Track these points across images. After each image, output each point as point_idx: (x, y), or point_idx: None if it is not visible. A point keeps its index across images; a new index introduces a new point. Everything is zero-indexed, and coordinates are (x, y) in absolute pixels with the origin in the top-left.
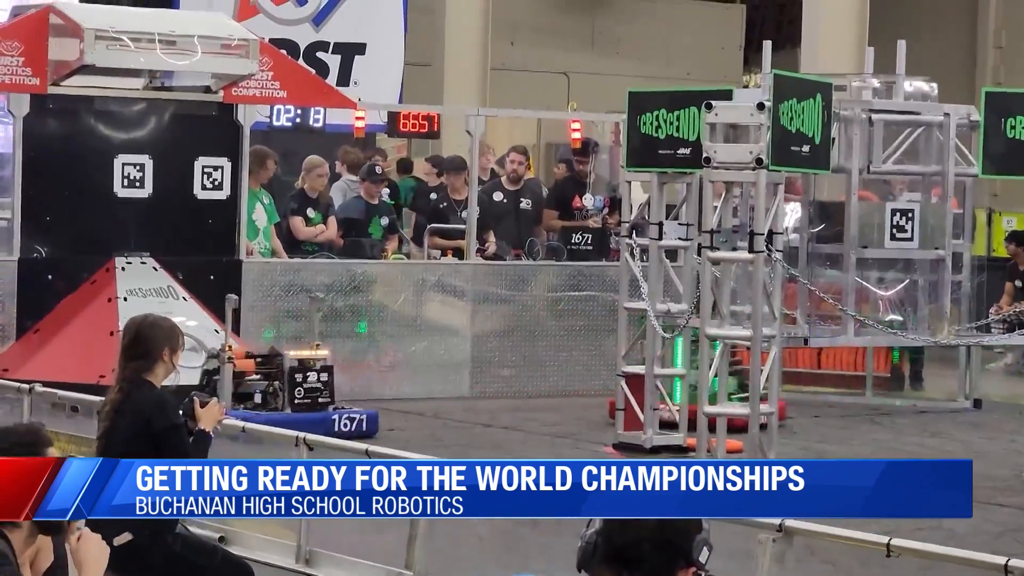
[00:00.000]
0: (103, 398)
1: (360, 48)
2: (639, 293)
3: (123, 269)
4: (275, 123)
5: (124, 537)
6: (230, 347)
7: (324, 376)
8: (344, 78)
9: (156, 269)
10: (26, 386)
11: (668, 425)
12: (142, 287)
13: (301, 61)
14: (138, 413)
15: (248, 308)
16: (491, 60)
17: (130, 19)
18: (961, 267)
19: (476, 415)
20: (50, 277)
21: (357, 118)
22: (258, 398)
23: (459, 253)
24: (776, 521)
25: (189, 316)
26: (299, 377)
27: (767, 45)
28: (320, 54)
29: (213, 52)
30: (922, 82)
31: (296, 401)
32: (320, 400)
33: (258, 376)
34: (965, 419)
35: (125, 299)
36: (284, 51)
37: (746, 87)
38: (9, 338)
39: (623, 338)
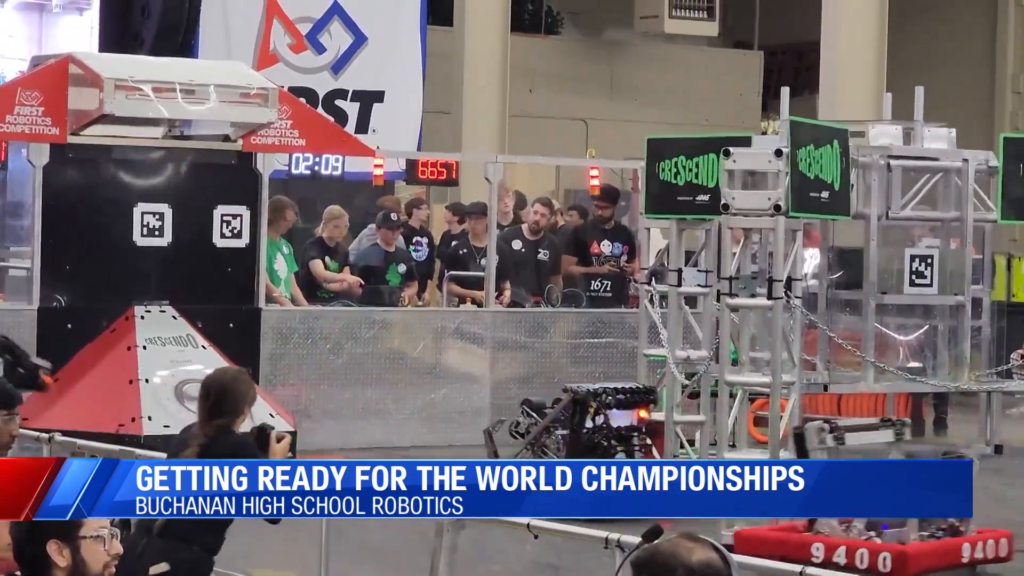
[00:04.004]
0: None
1: (379, 96)
2: (658, 339)
3: (142, 318)
4: (294, 171)
5: (161, 567)
6: None
7: None
8: (363, 126)
9: (175, 318)
10: (46, 435)
11: None
12: (161, 336)
13: (320, 109)
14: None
15: (267, 356)
16: (510, 107)
17: (149, 68)
18: (981, 312)
19: None
20: (69, 326)
21: (376, 166)
22: None
23: (478, 300)
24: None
25: (208, 364)
26: None
27: (785, 92)
28: (339, 102)
29: (232, 101)
30: (940, 128)
31: None
32: None
33: None
34: (986, 465)
35: (144, 347)
36: (303, 99)
37: (764, 134)
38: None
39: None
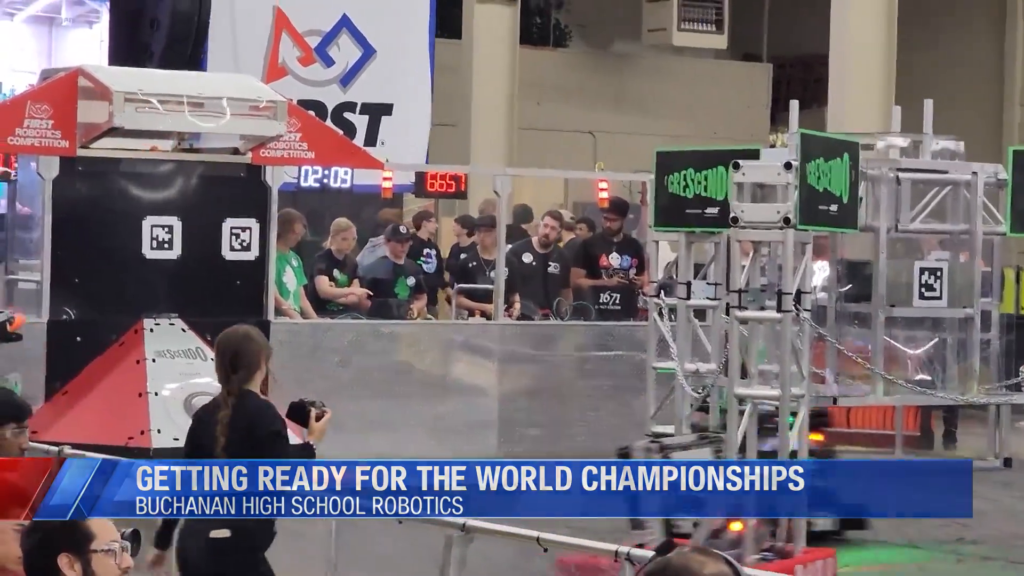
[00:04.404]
0: (207, 408)
1: (387, 108)
2: (667, 352)
3: (151, 331)
4: (303, 184)
5: (222, 532)
6: None
7: None
8: (371, 138)
9: (184, 330)
10: (55, 448)
11: None
12: (171, 348)
13: (329, 122)
14: (247, 424)
15: (277, 369)
16: (518, 119)
17: (158, 81)
18: (990, 325)
19: None
20: (79, 339)
21: (385, 178)
22: None
23: (487, 313)
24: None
25: (216, 377)
26: None
27: (794, 104)
28: (347, 115)
29: (241, 114)
30: (949, 141)
31: None
32: None
33: None
34: (995, 478)
35: (154, 360)
36: (312, 112)
37: (772, 146)
38: (38, 400)
39: (652, 398)
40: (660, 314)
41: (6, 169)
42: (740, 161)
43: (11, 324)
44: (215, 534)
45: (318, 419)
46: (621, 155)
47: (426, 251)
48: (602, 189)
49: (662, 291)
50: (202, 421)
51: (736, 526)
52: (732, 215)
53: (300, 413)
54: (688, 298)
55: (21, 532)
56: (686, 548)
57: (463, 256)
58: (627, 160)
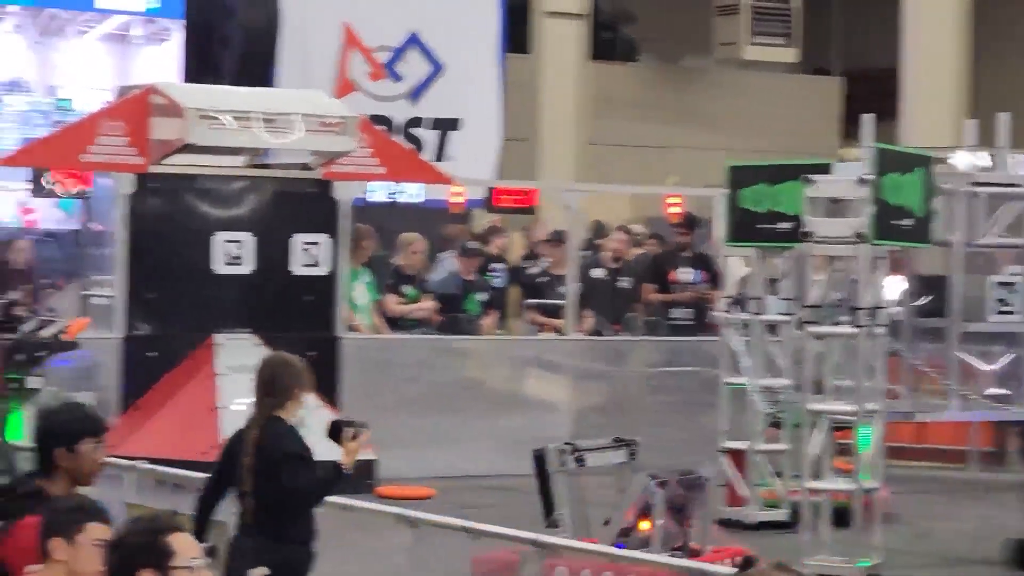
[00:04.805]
0: (242, 429)
1: (456, 124)
2: (739, 368)
3: (223, 346)
4: (373, 199)
5: (261, 570)
6: None
7: None
8: (440, 154)
9: (256, 345)
10: (130, 463)
11: (772, 504)
12: (242, 363)
13: (397, 137)
14: (271, 448)
15: (347, 385)
16: (587, 134)
17: (230, 98)
18: None
19: None
20: (152, 354)
21: (454, 194)
22: None
23: (559, 328)
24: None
25: None
26: None
27: (868, 118)
28: (416, 130)
29: (312, 130)
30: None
31: None
32: None
33: None
34: None
35: (225, 375)
36: (382, 127)
37: (843, 160)
38: (113, 414)
39: (724, 413)
40: (732, 329)
41: (82, 188)
42: (813, 176)
43: (65, 332)
44: (255, 573)
45: (353, 439)
46: (691, 170)
47: (495, 266)
48: (674, 204)
49: (734, 306)
50: (236, 439)
51: (645, 524)
52: (805, 230)
53: (334, 432)
54: (761, 313)
55: (102, 548)
56: (765, 563)
57: (534, 271)
58: (697, 175)
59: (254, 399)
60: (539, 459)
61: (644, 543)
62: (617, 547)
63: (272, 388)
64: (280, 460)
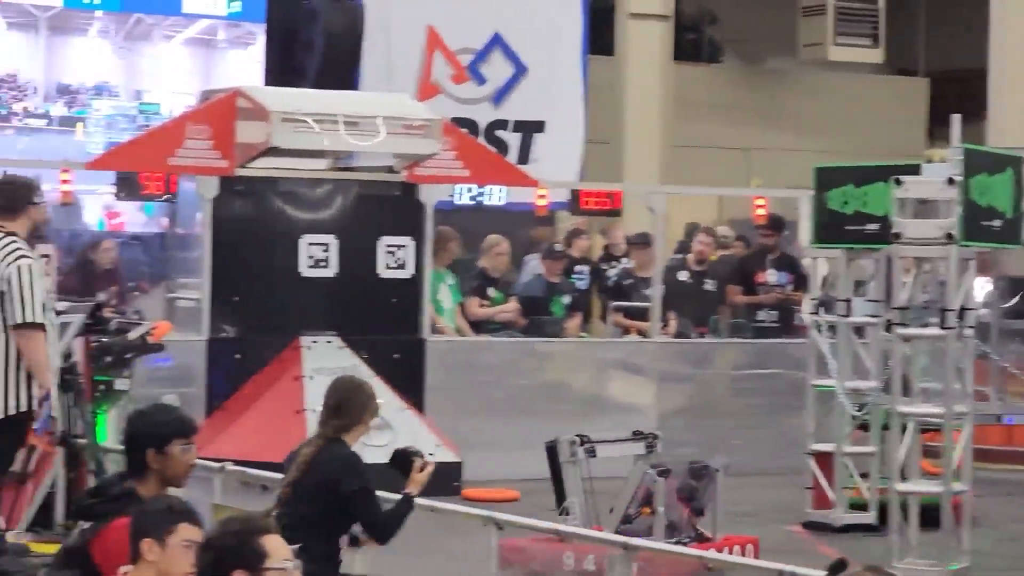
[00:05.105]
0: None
1: (540, 126)
2: (826, 370)
3: (309, 348)
4: (457, 202)
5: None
6: None
7: None
8: (524, 156)
9: (341, 348)
10: (217, 464)
11: (858, 504)
12: (328, 366)
13: (481, 140)
14: (327, 471)
15: (432, 387)
16: (671, 136)
17: (314, 101)
18: None
19: None
20: (238, 356)
21: (539, 196)
22: None
23: (643, 331)
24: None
25: None
26: None
27: (956, 119)
28: (500, 132)
29: (396, 132)
30: None
31: None
32: None
33: None
34: None
35: (311, 378)
36: (465, 130)
37: (930, 161)
38: (198, 417)
39: (811, 416)
40: (819, 331)
41: (169, 194)
42: (902, 177)
43: (152, 334)
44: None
45: (421, 470)
46: (775, 171)
47: (578, 268)
48: (759, 206)
49: (821, 308)
50: (295, 452)
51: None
52: (894, 231)
53: (403, 462)
54: (848, 315)
55: (193, 548)
56: (858, 567)
57: (618, 274)
58: (782, 176)
59: (321, 418)
60: (551, 450)
61: (648, 531)
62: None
63: (340, 412)
64: (355, 495)
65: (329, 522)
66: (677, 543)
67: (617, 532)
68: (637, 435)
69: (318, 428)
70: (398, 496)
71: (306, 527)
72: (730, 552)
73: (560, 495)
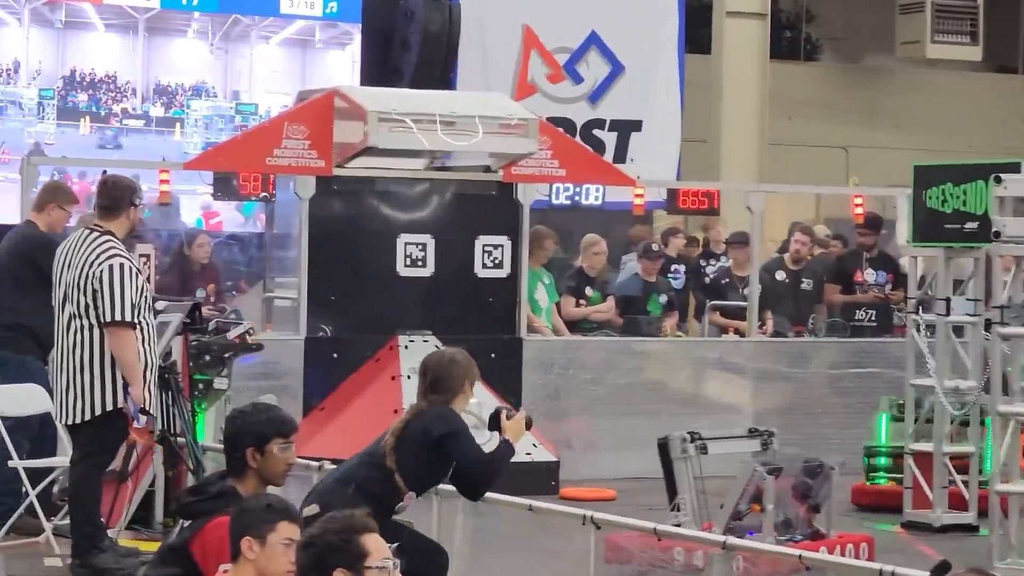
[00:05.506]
0: None
1: (636, 125)
2: (925, 370)
3: (406, 347)
4: (554, 201)
5: (312, 509)
6: None
7: None
8: (620, 155)
9: (438, 347)
10: (315, 463)
11: (958, 504)
12: None
13: (577, 139)
14: (422, 423)
15: (529, 386)
16: (768, 135)
17: (411, 101)
18: None
19: None
20: (335, 355)
21: (636, 195)
22: None
23: (741, 330)
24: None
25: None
26: None
27: None
28: (596, 131)
29: (493, 132)
30: None
31: None
32: None
33: None
34: None
35: (408, 377)
36: (561, 129)
37: None
38: (296, 416)
39: (910, 416)
40: (918, 330)
41: (267, 193)
42: (1002, 175)
43: (252, 333)
44: (307, 511)
45: (509, 418)
46: (874, 170)
47: (674, 267)
48: (857, 205)
49: (920, 307)
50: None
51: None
52: (994, 230)
53: (495, 420)
54: (947, 314)
55: (292, 546)
56: (962, 569)
57: (714, 273)
58: (880, 175)
59: (418, 395)
60: (663, 447)
61: (757, 527)
62: (748, 534)
63: (439, 386)
64: (446, 437)
65: (432, 475)
66: (789, 540)
67: (727, 529)
68: (753, 432)
69: (418, 399)
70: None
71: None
72: (843, 551)
73: (672, 491)
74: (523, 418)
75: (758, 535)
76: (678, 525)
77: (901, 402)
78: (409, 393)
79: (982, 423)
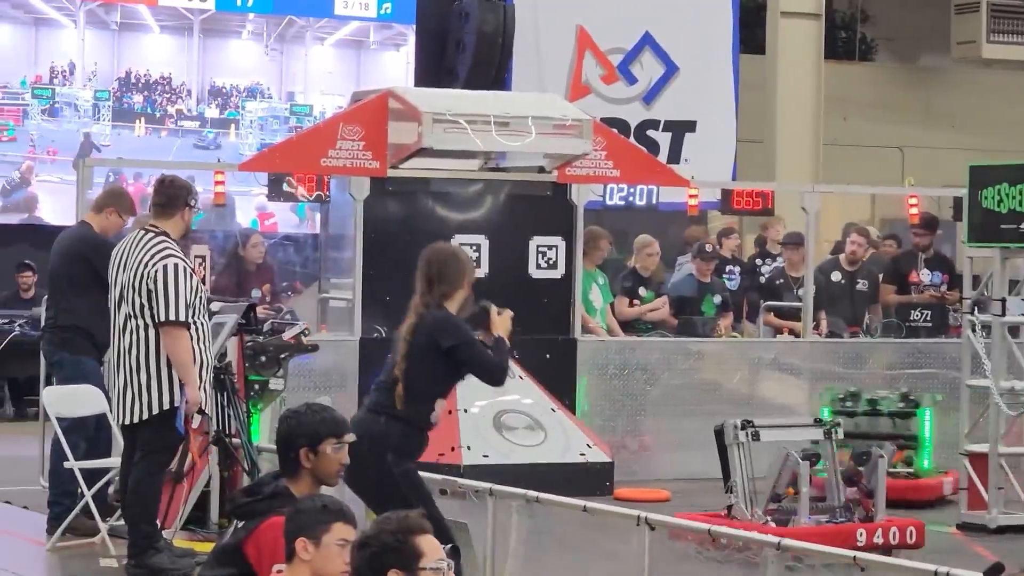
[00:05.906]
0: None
1: (691, 126)
2: (981, 370)
3: None
4: (608, 202)
5: (350, 437)
6: None
7: None
8: (675, 156)
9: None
10: None
11: (1014, 505)
12: None
13: (632, 139)
14: (426, 332)
15: (584, 387)
16: (823, 135)
17: (465, 102)
18: None
19: None
20: (390, 356)
21: (690, 196)
22: None
23: (796, 331)
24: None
25: (525, 395)
26: None
27: None
28: (651, 132)
29: (547, 132)
30: None
31: None
32: None
33: None
34: None
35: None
36: (615, 130)
37: None
38: (351, 416)
39: (966, 416)
40: (974, 331)
41: (320, 193)
42: None
43: (307, 334)
44: (347, 438)
45: (499, 313)
46: (929, 170)
47: (729, 268)
48: (912, 205)
49: (976, 308)
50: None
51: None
52: None
53: (482, 316)
54: (1003, 314)
55: (347, 547)
56: (1016, 570)
57: (768, 274)
58: (936, 175)
59: (419, 288)
60: (718, 433)
61: (792, 511)
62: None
63: (441, 279)
64: (460, 347)
65: (445, 382)
66: (829, 521)
67: (766, 510)
68: (818, 421)
69: (417, 298)
70: None
71: (422, 395)
72: (887, 536)
73: (726, 475)
74: (509, 314)
75: (794, 518)
76: (730, 506)
77: (939, 398)
78: (464, 394)
79: None
